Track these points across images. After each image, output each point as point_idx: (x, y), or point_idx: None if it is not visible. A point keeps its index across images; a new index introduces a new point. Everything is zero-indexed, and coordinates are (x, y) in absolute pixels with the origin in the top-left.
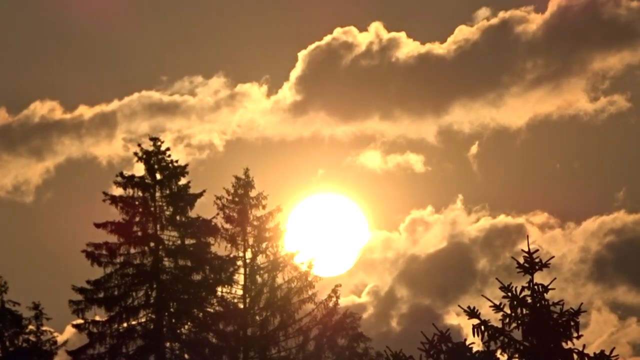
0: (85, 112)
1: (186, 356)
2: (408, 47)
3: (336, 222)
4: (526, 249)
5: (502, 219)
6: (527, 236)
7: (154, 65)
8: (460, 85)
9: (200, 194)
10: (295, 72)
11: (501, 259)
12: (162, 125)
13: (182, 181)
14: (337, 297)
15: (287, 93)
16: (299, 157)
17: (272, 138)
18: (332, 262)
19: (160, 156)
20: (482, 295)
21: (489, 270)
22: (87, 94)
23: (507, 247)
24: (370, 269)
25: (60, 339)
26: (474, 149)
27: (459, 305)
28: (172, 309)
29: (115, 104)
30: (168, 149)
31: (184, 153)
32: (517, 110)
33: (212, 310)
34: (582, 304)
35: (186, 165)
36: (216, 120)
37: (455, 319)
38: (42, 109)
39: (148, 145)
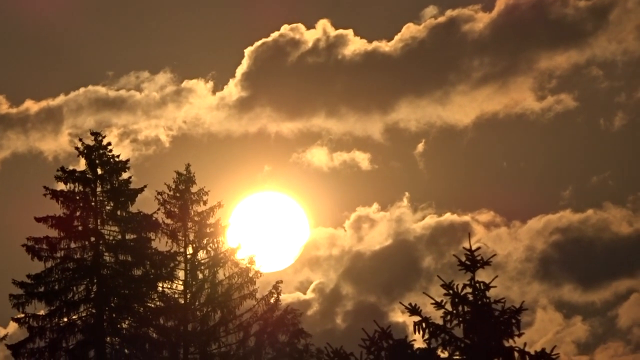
0: (31, 106)
1: (126, 351)
2: (355, 45)
3: (278, 219)
4: (468, 247)
5: (448, 217)
6: (469, 234)
7: (100, 60)
8: (406, 83)
9: (141, 189)
10: (242, 69)
11: (446, 257)
12: (108, 120)
13: (123, 176)
14: (279, 294)
15: (233, 89)
16: (244, 153)
17: (217, 134)
18: (274, 258)
19: (101, 151)
20: (424, 293)
21: (434, 268)
22: (34, 88)
23: (452, 245)
24: (316, 265)
25: (1, 332)
26: (420, 147)
27: (400, 302)
28: (112, 304)
29: (61, 99)
30: (109, 143)
31: (129, 148)
32: (463, 108)
33: (152, 306)
34: (523, 302)
35: (127, 160)
36: (162, 116)
37: (401, 316)
38: None
39: (90, 140)
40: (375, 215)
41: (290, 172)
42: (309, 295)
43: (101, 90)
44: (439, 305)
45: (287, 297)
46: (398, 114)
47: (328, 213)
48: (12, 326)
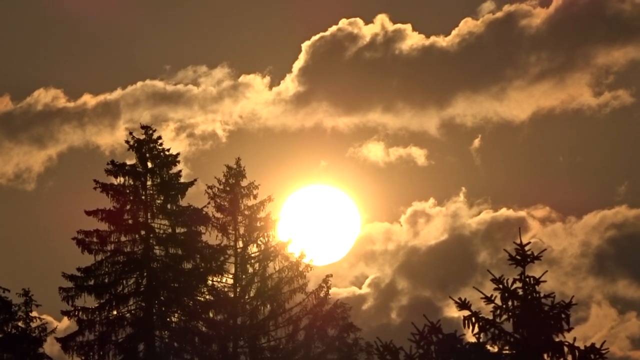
0: (88, 100)
1: (175, 345)
2: (412, 40)
3: (330, 213)
4: (519, 242)
5: (504, 212)
6: (519, 229)
7: (158, 55)
8: (463, 79)
9: (191, 183)
10: (298, 63)
11: (501, 252)
12: (165, 114)
13: (174, 170)
14: (328, 287)
15: (290, 84)
16: (300, 148)
17: (273, 129)
18: (325, 252)
19: (151, 145)
20: (474, 287)
21: (489, 263)
22: (91, 82)
23: (507, 241)
24: (371, 260)
25: (52, 325)
26: (476, 142)
27: (450, 297)
28: (162, 297)
29: (118, 93)
30: (160, 137)
31: (186, 143)
32: (520, 104)
33: (202, 299)
34: (572, 297)
35: (177, 154)
36: (219, 111)
37: (455, 311)
38: (46, 96)
39: (140, 134)
40: (431, 210)
41: (346, 167)
42: (365, 289)
43: (158, 84)
44: (488, 299)
45: (343, 292)
46: (454, 109)
47: (384, 208)
48: (62, 319)
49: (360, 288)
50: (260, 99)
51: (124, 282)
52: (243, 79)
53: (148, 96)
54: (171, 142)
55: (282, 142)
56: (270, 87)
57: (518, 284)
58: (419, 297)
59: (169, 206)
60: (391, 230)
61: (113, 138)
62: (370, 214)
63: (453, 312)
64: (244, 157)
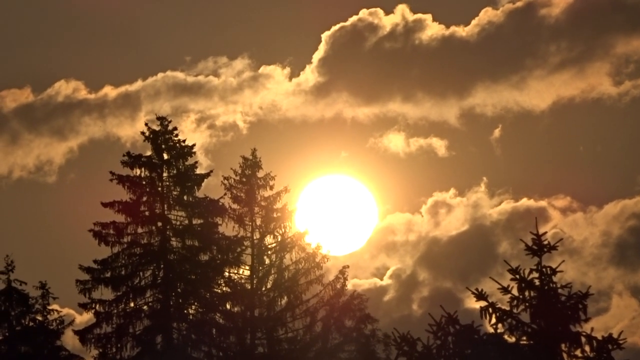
0: (109, 92)
1: (193, 336)
2: (433, 30)
3: (348, 203)
4: (536, 232)
5: (525, 203)
6: (536, 218)
7: (178, 46)
8: (483, 68)
9: (208, 174)
10: (318, 54)
11: (522, 242)
12: (185, 105)
13: (190, 161)
14: (345, 279)
15: (310, 75)
16: (320, 139)
17: (293, 120)
18: (343, 243)
19: (167, 136)
20: (490, 278)
21: (510, 254)
22: (112, 74)
23: (528, 231)
24: (392, 251)
25: (70, 317)
26: (496, 132)
27: (467, 288)
28: (179, 289)
29: (139, 84)
30: (175, 128)
31: (206, 134)
32: (540, 93)
33: (219, 291)
34: (589, 287)
35: (193, 145)
36: (239, 102)
37: (475, 302)
38: (67, 88)
39: (156, 125)
40: (452, 200)
41: (366, 158)
42: (386, 281)
43: (179, 75)
44: (505, 290)
45: (364, 283)
46: (474, 99)
47: (405, 198)
48: (80, 312)
49: (381, 279)
50: (281, 89)
51: (141, 274)
52: (263, 69)
53: (169, 87)
54: (192, 133)
55: (302, 132)
56: (290, 78)
57: (535, 275)
58: (440, 288)
59: (185, 197)
60: (412, 221)
61: (133, 130)
62: (391, 204)
63: (473, 303)
64: (264, 148)
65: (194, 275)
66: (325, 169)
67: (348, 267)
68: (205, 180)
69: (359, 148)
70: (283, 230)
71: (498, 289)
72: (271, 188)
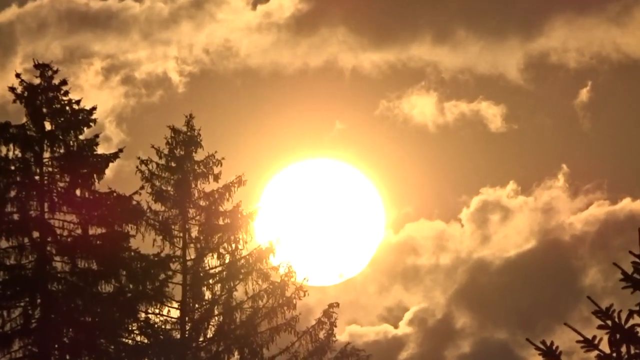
0: None
1: None
2: None
3: (342, 203)
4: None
5: (626, 204)
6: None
7: None
8: None
9: (116, 156)
10: None
11: (623, 267)
12: (86, 47)
13: (87, 134)
14: (334, 324)
15: (285, 1)
16: (301, 101)
17: (259, 71)
18: (332, 266)
19: (51, 94)
20: (566, 324)
21: (599, 287)
22: None
23: (628, 251)
24: (413, 282)
25: None
26: (583, 93)
27: (528, 340)
28: (65, 339)
29: (13, 11)
30: (64, 82)
31: (120, 92)
32: None
33: (130, 342)
34: None
35: (94, 108)
36: (172, 42)
37: None
38: None
39: (33, 77)
40: (510, 201)
41: (374, 133)
42: (404, 328)
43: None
44: (589, 343)
45: (368, 332)
46: (548, 41)
47: (434, 197)
48: None
49: (395, 326)
50: (238, 23)
51: (5, 314)
52: None
53: (60, 17)
54: (94, 91)
55: (271, 92)
56: (255, 4)
57: (638, 319)
58: (489, 341)
59: (78, 192)
60: (445, 233)
61: (2, 84)
62: (413, 207)
63: None
64: (207, 116)
65: (90, 316)
66: (306, 150)
67: (337, 305)
68: (112, 164)
69: (363, 117)
70: (234, 245)
71: (579, 341)
72: (216, 178)
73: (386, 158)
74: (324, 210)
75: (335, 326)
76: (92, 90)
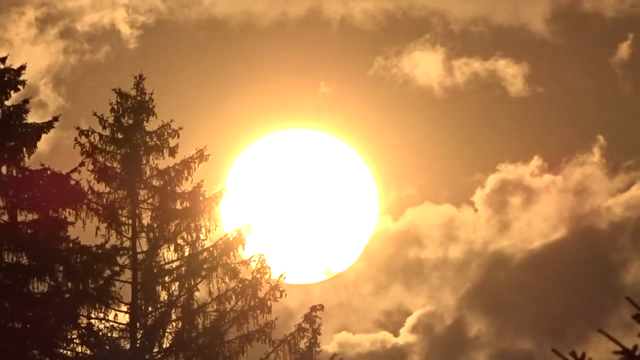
0: None
1: None
2: None
3: (328, 184)
4: None
5: None
6: None
7: None
8: None
9: (50, 125)
10: None
11: None
12: None
13: (13, 98)
14: (317, 331)
15: None
16: (277, 58)
17: (227, 22)
18: (315, 260)
19: None
20: (600, 331)
21: None
22: None
23: None
24: (417, 280)
25: None
26: (623, 49)
27: (554, 350)
28: None
29: None
30: None
31: (57, 48)
32: None
33: (69, 353)
34: None
35: (21, 68)
36: None
37: None
38: None
39: None
40: (534, 180)
41: (367, 97)
42: (405, 337)
43: None
44: (628, 355)
45: (360, 340)
46: None
47: (442, 176)
48: None
49: (395, 334)
50: None
51: None
52: None
53: None
54: (26, 46)
55: (240, 47)
56: None
57: None
58: (509, 352)
59: (4, 170)
60: (455, 220)
61: None
62: (414, 187)
63: None
64: (164, 75)
65: (21, 322)
66: (284, 119)
67: (321, 308)
68: (46, 135)
69: (354, 78)
70: (195, 235)
71: (616, 352)
72: (172, 153)
73: (381, 128)
74: (304, 192)
75: (320, 333)
76: (23, 46)
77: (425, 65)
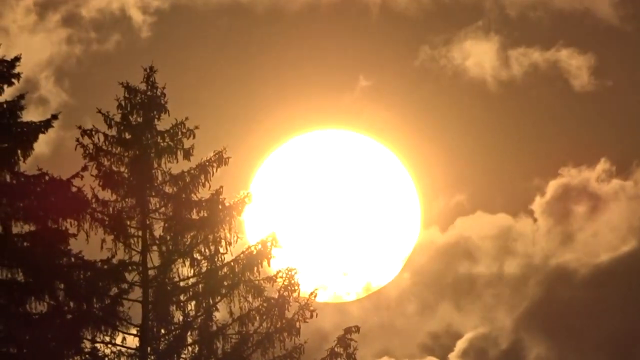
0: None
1: None
2: None
3: (365, 190)
4: None
5: None
6: None
7: None
8: None
9: (48, 124)
10: None
11: None
12: None
13: (8, 93)
14: (351, 355)
15: None
16: (312, 49)
17: (253, 7)
18: (352, 275)
19: None
20: None
21: None
22: None
23: None
24: (469, 297)
25: None
26: None
27: None
28: None
29: None
30: None
31: (57, 37)
32: None
33: None
34: None
35: (16, 59)
36: None
37: None
38: None
39: None
40: (601, 185)
41: (410, 91)
42: None
43: None
44: None
45: None
46: None
47: (494, 182)
48: None
49: (445, 358)
50: None
51: None
52: None
53: None
54: (26, 35)
55: (267, 36)
56: None
57: None
58: None
59: None
60: (512, 232)
61: None
62: (465, 195)
63: None
64: (179, 68)
65: (17, 345)
66: (316, 117)
67: (358, 329)
68: (45, 136)
69: (397, 70)
70: (213, 248)
71: None
72: (187, 155)
73: (427, 128)
74: (338, 199)
75: (355, 359)
76: (21, 35)
77: (478, 55)
